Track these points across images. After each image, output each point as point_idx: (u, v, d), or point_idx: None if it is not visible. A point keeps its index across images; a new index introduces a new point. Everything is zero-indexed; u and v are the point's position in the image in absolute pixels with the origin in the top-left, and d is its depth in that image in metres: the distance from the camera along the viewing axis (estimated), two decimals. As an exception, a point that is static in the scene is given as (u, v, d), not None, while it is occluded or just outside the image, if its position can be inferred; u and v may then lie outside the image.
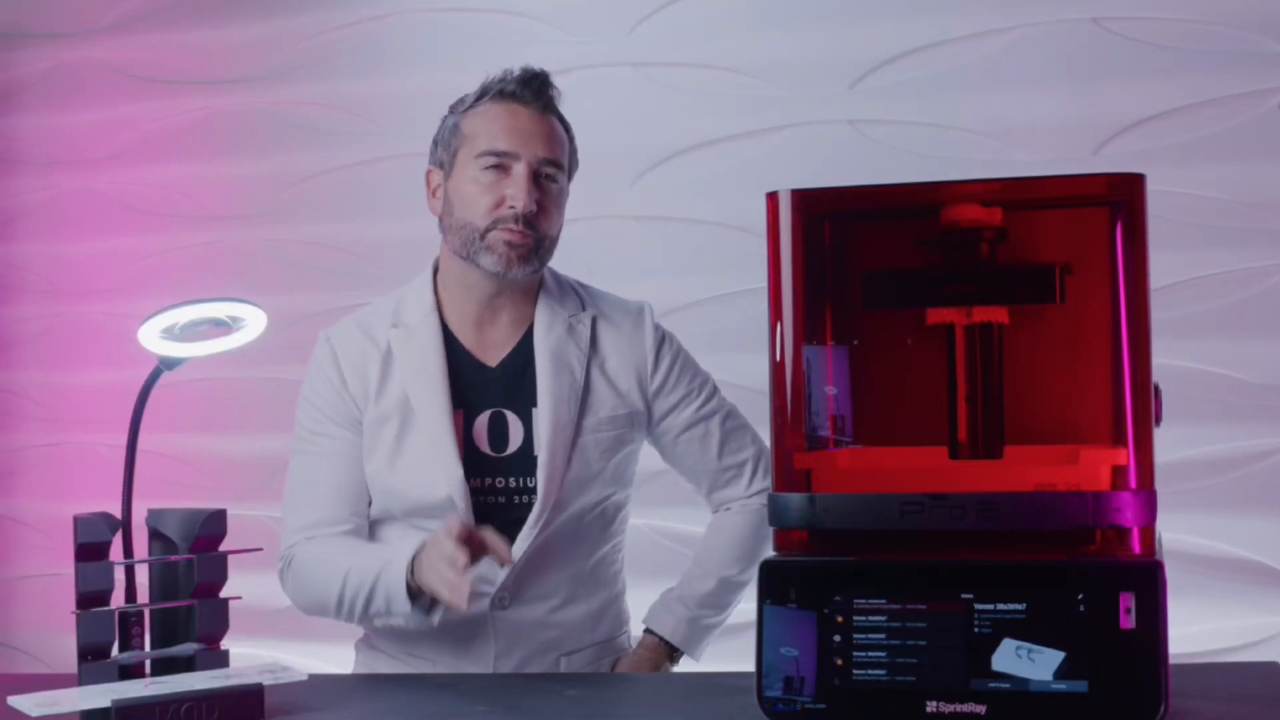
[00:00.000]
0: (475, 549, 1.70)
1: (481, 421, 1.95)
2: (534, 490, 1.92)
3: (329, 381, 1.97)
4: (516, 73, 1.94)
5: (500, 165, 1.90)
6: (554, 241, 1.95)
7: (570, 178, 1.99)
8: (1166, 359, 2.57)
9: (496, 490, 1.93)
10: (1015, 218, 1.48)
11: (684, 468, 2.07)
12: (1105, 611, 1.33)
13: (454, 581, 1.66)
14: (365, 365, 1.96)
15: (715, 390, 2.06)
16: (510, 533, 1.91)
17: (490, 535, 1.73)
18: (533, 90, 1.93)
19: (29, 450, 3.69)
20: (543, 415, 1.92)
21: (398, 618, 1.83)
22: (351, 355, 1.97)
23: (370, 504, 1.98)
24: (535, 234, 1.90)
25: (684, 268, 3.10)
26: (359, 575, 1.85)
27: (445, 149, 1.96)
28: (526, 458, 1.93)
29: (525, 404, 1.94)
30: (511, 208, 1.89)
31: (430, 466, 1.91)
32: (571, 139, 1.99)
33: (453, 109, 1.99)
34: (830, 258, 1.52)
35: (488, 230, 1.90)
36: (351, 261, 3.36)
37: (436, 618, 1.80)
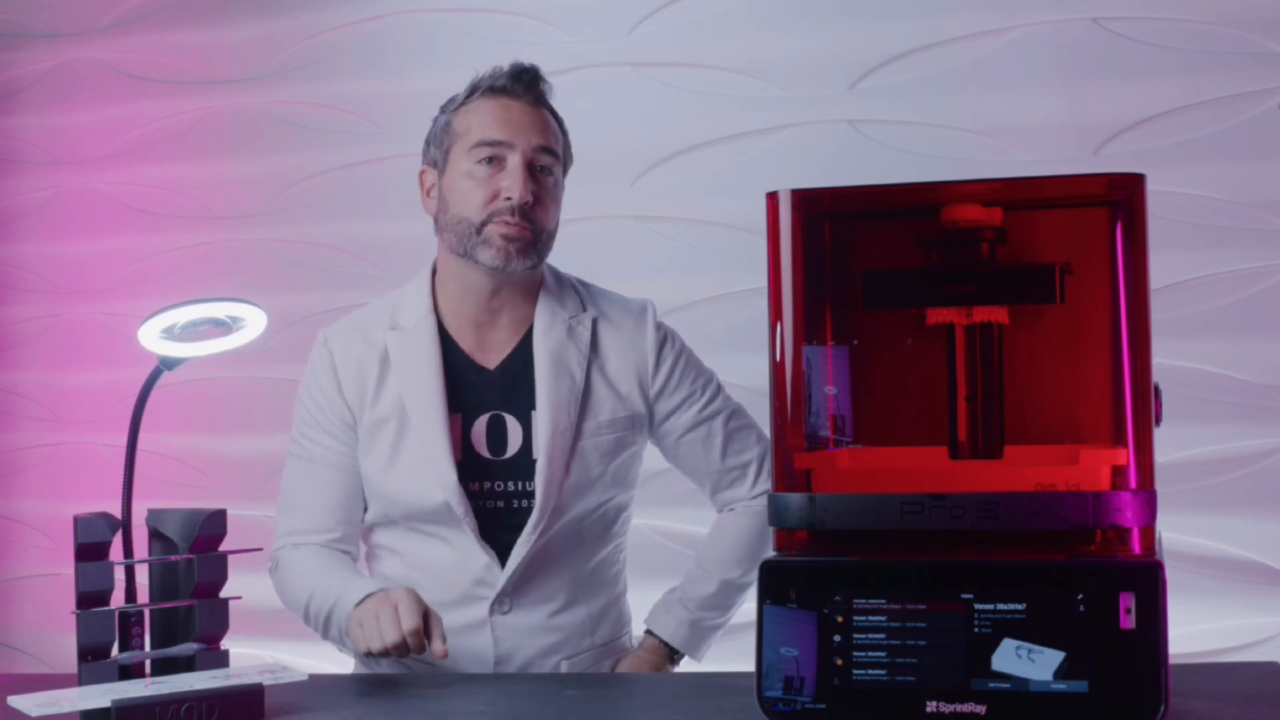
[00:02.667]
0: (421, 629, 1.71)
1: (480, 425, 1.94)
2: (533, 494, 1.91)
3: (323, 387, 1.98)
4: (506, 68, 1.94)
5: (495, 157, 1.89)
6: (552, 235, 1.94)
7: (565, 172, 1.98)
8: (1166, 359, 2.59)
9: (495, 494, 1.93)
10: (1015, 218, 1.48)
11: (687, 469, 2.06)
12: (1105, 611, 1.33)
13: (376, 645, 1.69)
14: (362, 369, 1.96)
15: (719, 390, 2.05)
16: (509, 537, 1.91)
17: (437, 632, 1.71)
18: (524, 84, 1.92)
19: (29, 450, 3.69)
20: (541, 420, 1.92)
21: (349, 649, 1.85)
22: (348, 359, 1.97)
23: (366, 509, 1.99)
24: (533, 227, 1.89)
25: (684, 268, 3.09)
26: (319, 602, 1.87)
27: (438, 147, 1.96)
28: (525, 461, 1.93)
29: (524, 407, 1.94)
30: (508, 199, 1.87)
31: (425, 472, 1.91)
32: (565, 133, 1.98)
33: (443, 109, 1.98)
34: (830, 258, 1.52)
35: (484, 224, 1.89)
36: (351, 261, 3.36)
37: (382, 662, 1.79)
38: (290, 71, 3.43)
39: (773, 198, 1.47)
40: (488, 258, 1.89)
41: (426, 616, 1.72)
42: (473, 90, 1.94)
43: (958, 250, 1.48)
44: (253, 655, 3.18)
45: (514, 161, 1.89)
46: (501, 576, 1.91)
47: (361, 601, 1.77)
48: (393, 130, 3.29)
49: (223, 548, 1.63)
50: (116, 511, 1.61)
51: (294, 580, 1.94)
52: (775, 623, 1.39)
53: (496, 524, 1.92)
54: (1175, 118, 2.83)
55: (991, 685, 1.34)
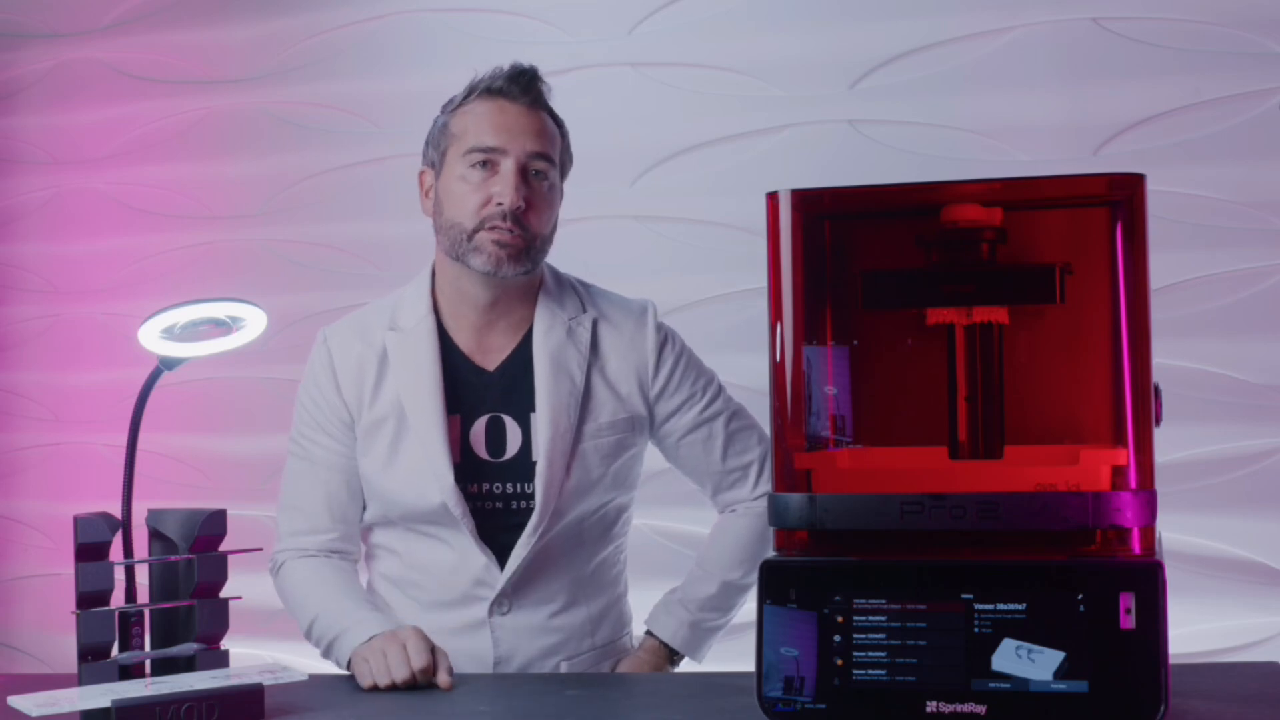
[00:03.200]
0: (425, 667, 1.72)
1: (479, 426, 1.94)
2: (532, 496, 1.91)
3: (322, 387, 1.97)
4: (505, 69, 1.92)
5: (488, 162, 1.87)
6: (546, 241, 1.93)
7: (564, 175, 1.97)
8: (1166, 359, 2.59)
9: (494, 496, 1.93)
10: (1015, 218, 1.48)
11: (688, 470, 2.06)
12: (1105, 611, 1.33)
13: (384, 681, 1.70)
14: (361, 369, 1.95)
15: (720, 390, 2.05)
16: (509, 538, 1.91)
17: (443, 665, 1.72)
18: (520, 85, 1.91)
19: (29, 450, 3.69)
20: (541, 422, 1.91)
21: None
22: (347, 359, 1.97)
23: (365, 509, 1.99)
24: (525, 233, 1.87)
25: (684, 268, 3.09)
26: (322, 628, 1.87)
27: (435, 149, 1.95)
28: (524, 463, 1.92)
29: (523, 409, 1.93)
30: (499, 205, 1.86)
31: (423, 473, 1.90)
32: (564, 135, 1.96)
33: (443, 109, 1.97)
34: (830, 258, 1.52)
35: (475, 231, 1.87)
36: (351, 261, 3.36)
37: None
38: (290, 71, 3.43)
39: (773, 198, 1.47)
40: (479, 263, 1.88)
41: (433, 651, 1.73)
42: (470, 92, 1.93)
43: (958, 250, 1.48)
44: (253, 655, 3.18)
45: (507, 167, 1.87)
46: (501, 578, 1.91)
47: (368, 640, 1.77)
48: (393, 130, 3.29)
49: (223, 548, 1.63)
50: (116, 511, 1.61)
51: (298, 595, 1.94)
52: (775, 623, 1.39)
53: (495, 525, 1.92)
54: (1175, 118, 2.83)
55: (991, 685, 1.34)
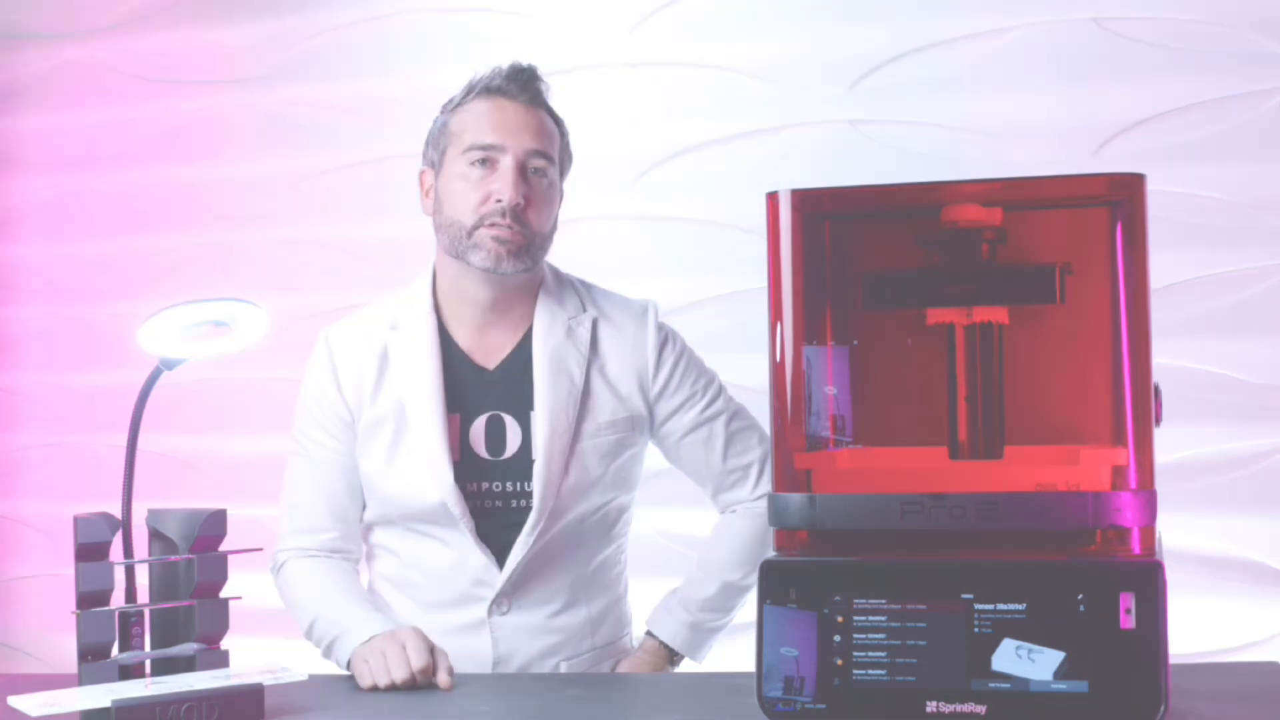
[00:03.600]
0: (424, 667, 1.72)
1: (479, 425, 1.94)
2: (532, 495, 1.91)
3: (322, 386, 1.97)
4: (504, 68, 1.93)
5: (487, 159, 1.88)
6: (546, 238, 1.93)
7: (564, 174, 1.97)
8: (1166, 359, 2.59)
9: (493, 494, 1.93)
10: (1015, 218, 1.48)
11: (689, 470, 2.06)
12: (1105, 611, 1.33)
13: (383, 681, 1.70)
14: (361, 368, 1.96)
15: (721, 390, 2.05)
16: (508, 537, 1.91)
17: (443, 665, 1.72)
18: (519, 84, 1.92)
19: (29, 450, 3.69)
20: (540, 421, 1.91)
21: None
22: (348, 358, 1.97)
23: (365, 508, 1.99)
24: (524, 230, 1.88)
25: (684, 268, 3.09)
26: (322, 629, 1.87)
27: (435, 148, 1.96)
28: (524, 462, 1.92)
29: (523, 407, 1.93)
30: (498, 201, 1.86)
31: (422, 472, 1.90)
32: (563, 134, 1.97)
33: (443, 109, 1.98)
34: (830, 258, 1.52)
35: (475, 228, 1.88)
36: (351, 261, 3.36)
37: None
38: (290, 71, 3.43)
39: (773, 198, 1.47)
40: (479, 260, 1.88)
41: (432, 652, 1.73)
42: (468, 91, 1.94)
43: (958, 250, 1.48)
44: (253, 655, 3.17)
45: (505, 164, 1.88)
46: (500, 577, 1.91)
47: (368, 640, 1.77)
48: (393, 130, 3.28)
49: (223, 548, 1.63)
50: (116, 511, 1.61)
51: (299, 595, 1.94)
52: (775, 623, 1.40)
53: (495, 524, 1.92)
54: (1175, 118, 2.83)
55: (991, 685, 1.34)
